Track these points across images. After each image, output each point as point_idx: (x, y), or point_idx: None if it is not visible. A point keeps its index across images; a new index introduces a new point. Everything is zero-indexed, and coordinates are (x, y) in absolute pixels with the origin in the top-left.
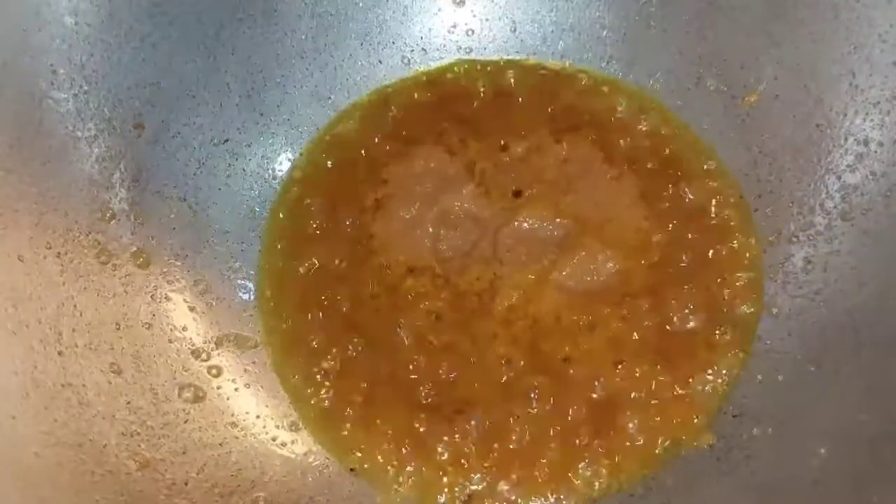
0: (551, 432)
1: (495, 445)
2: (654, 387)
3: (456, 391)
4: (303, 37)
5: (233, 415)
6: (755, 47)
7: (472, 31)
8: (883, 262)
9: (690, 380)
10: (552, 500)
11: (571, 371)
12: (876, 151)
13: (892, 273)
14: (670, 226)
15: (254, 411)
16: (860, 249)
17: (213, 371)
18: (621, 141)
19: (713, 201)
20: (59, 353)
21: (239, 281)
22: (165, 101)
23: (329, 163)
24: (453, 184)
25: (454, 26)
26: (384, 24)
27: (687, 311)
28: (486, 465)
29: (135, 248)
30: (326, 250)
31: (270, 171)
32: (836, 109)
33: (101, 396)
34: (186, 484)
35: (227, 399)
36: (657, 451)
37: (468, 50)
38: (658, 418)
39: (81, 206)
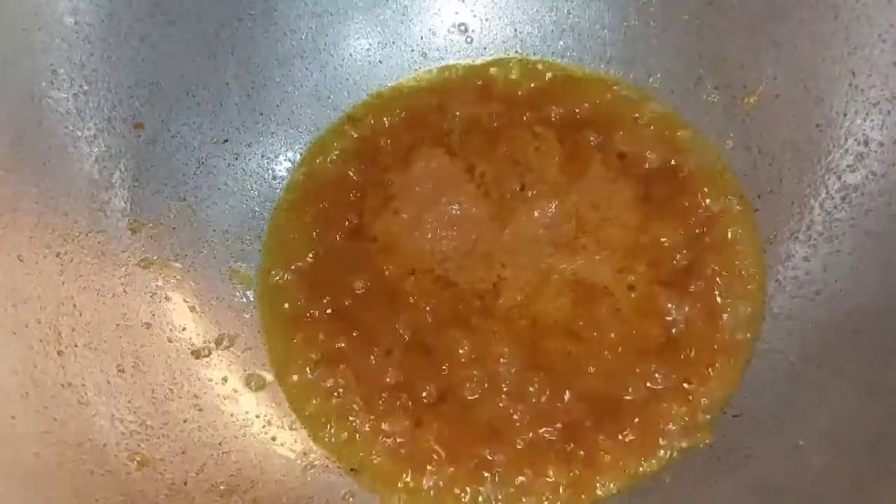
0: (551, 432)
1: (496, 445)
2: (653, 386)
3: (457, 391)
4: (303, 37)
5: (232, 415)
6: (755, 47)
7: (473, 31)
8: (883, 262)
9: (690, 379)
10: (552, 499)
11: (571, 371)
12: (876, 151)
13: (892, 273)
14: (669, 226)
15: (254, 411)
16: (860, 249)
17: (213, 371)
18: (621, 142)
19: (713, 201)
20: (59, 353)
21: (239, 281)
22: (165, 101)
23: (329, 164)
24: (454, 185)
25: (454, 26)
26: (384, 24)
27: (687, 311)
28: (486, 463)
29: (134, 248)
30: (327, 251)
31: (270, 171)
32: (836, 109)
33: (100, 396)
34: (186, 484)
35: (227, 399)
36: (657, 451)
37: (468, 50)
38: (658, 418)
39: (81, 206)
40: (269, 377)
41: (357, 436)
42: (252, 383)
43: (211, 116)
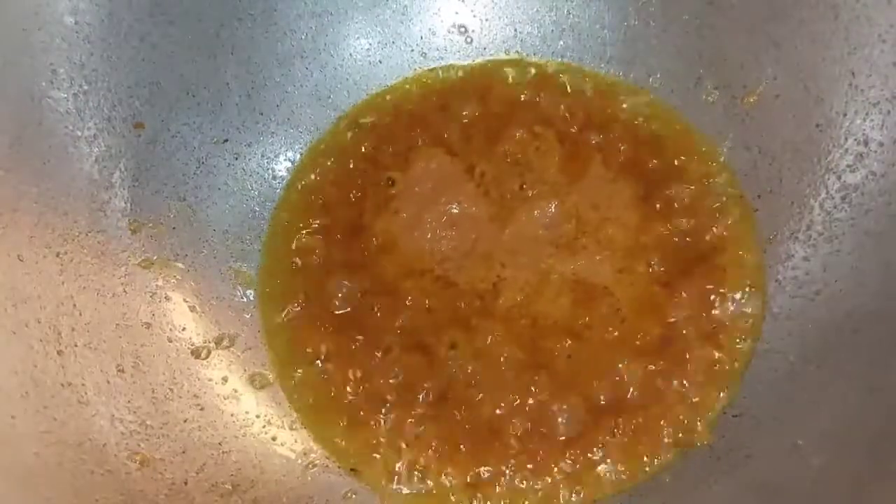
0: (551, 431)
1: (496, 444)
2: (653, 386)
3: (457, 390)
4: (303, 37)
5: (232, 414)
6: (755, 47)
7: (473, 31)
8: (883, 262)
9: (690, 379)
10: (552, 499)
11: (572, 371)
12: (876, 151)
13: (892, 273)
14: (670, 226)
15: (254, 411)
16: (860, 249)
17: (213, 371)
18: (621, 142)
19: (713, 201)
20: (59, 353)
21: (239, 281)
22: (165, 101)
23: (329, 164)
24: (453, 185)
25: (454, 26)
26: (384, 24)
27: (687, 311)
28: (485, 463)
29: (134, 248)
30: (327, 251)
31: (270, 171)
32: (836, 109)
33: (100, 396)
34: (186, 483)
35: (227, 399)
36: (657, 451)
37: (468, 50)
38: (658, 418)
39: (81, 206)
40: (269, 377)
41: (357, 435)
42: (252, 383)
43: (211, 116)
